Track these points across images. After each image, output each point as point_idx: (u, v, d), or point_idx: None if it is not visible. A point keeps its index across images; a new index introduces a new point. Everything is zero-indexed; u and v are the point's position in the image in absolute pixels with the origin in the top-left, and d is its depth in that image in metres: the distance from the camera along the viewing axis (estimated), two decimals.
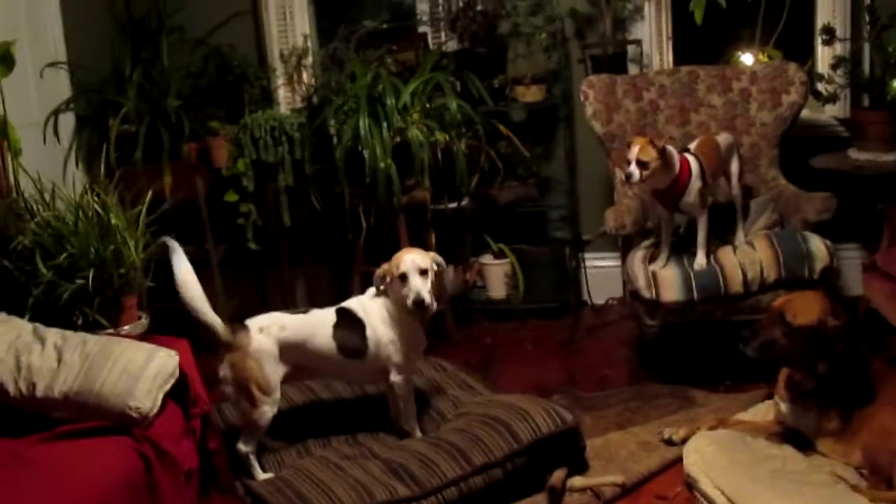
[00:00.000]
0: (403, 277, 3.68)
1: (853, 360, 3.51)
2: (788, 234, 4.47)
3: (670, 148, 4.33)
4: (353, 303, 3.86)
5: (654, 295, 4.31)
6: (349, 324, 3.77)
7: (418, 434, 3.84)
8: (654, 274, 4.35)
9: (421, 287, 3.66)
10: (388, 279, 3.74)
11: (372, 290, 3.85)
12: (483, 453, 3.54)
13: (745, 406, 4.08)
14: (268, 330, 3.67)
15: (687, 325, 4.52)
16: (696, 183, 4.34)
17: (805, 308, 3.50)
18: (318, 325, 3.76)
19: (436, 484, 3.45)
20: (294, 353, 3.70)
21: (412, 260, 3.71)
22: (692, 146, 4.51)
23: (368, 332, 3.76)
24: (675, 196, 4.34)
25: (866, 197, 4.86)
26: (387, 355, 3.78)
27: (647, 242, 4.63)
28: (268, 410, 3.65)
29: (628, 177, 4.23)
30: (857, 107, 5.16)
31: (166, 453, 3.09)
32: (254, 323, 3.69)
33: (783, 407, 3.70)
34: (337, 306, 3.85)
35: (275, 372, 3.66)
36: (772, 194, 4.80)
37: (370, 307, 3.81)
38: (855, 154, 4.85)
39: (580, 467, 3.75)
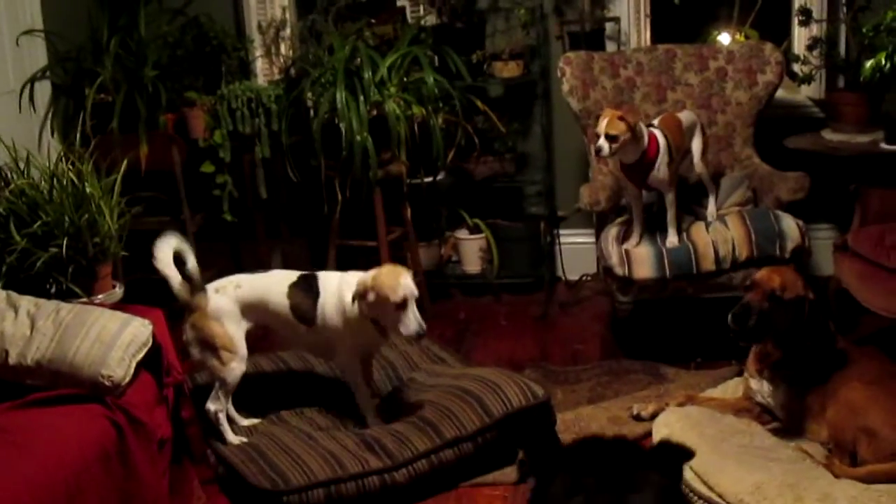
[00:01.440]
0: (402, 305, 3.54)
1: (821, 337, 3.57)
2: (761, 213, 4.51)
3: (640, 123, 4.33)
4: (322, 273, 3.86)
5: (626, 272, 4.34)
6: (306, 288, 3.76)
7: (371, 420, 3.78)
8: (627, 251, 4.38)
9: (420, 318, 3.56)
10: (369, 297, 3.60)
11: (349, 275, 3.76)
12: (454, 427, 3.57)
13: (715, 383, 4.12)
14: (224, 289, 3.74)
15: (659, 301, 4.55)
16: (664, 157, 4.34)
17: (791, 282, 3.55)
18: (274, 283, 3.79)
19: (407, 456, 3.48)
20: (254, 311, 3.75)
21: (410, 286, 3.57)
22: (655, 121, 4.51)
23: (319, 302, 3.73)
24: (644, 171, 4.36)
25: (839, 177, 4.90)
26: (332, 337, 3.77)
27: (620, 219, 4.66)
28: (236, 367, 3.69)
29: (598, 150, 4.23)
30: (832, 88, 5.20)
31: (139, 422, 3.10)
32: (211, 285, 3.75)
33: (753, 383, 3.74)
34: (305, 272, 3.86)
35: (237, 329, 3.71)
36: (746, 173, 4.84)
37: (331, 288, 3.74)
38: (829, 135, 4.88)
39: (551, 441, 3.78)
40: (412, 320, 3.54)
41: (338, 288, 3.73)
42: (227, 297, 3.72)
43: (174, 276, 3.64)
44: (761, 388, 3.71)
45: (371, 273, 3.63)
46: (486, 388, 3.71)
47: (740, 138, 4.95)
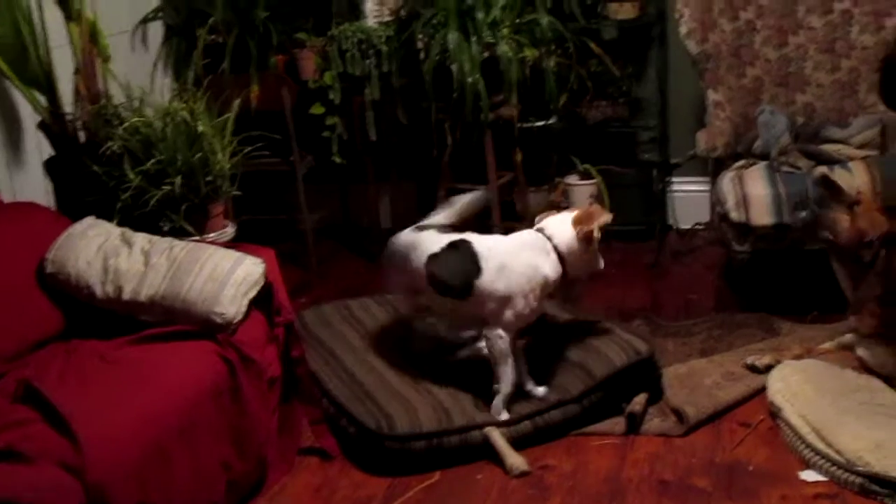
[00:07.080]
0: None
1: None
2: (887, 161, 4.32)
3: None
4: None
5: (743, 217, 4.21)
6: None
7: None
8: (745, 194, 4.23)
9: None
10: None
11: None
12: (558, 392, 3.54)
13: (832, 337, 3.97)
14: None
15: (776, 252, 4.42)
16: None
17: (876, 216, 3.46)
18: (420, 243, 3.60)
19: (513, 417, 3.46)
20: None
21: None
22: None
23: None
24: None
25: None
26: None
27: (738, 164, 4.51)
28: None
29: None
30: None
31: (250, 359, 3.12)
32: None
33: (860, 351, 3.63)
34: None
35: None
36: (877, 117, 4.63)
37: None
38: None
39: (656, 394, 3.69)
40: None
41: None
42: None
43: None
44: (867, 354, 3.60)
45: None
46: (588, 353, 3.67)
47: (865, 84, 4.76)
